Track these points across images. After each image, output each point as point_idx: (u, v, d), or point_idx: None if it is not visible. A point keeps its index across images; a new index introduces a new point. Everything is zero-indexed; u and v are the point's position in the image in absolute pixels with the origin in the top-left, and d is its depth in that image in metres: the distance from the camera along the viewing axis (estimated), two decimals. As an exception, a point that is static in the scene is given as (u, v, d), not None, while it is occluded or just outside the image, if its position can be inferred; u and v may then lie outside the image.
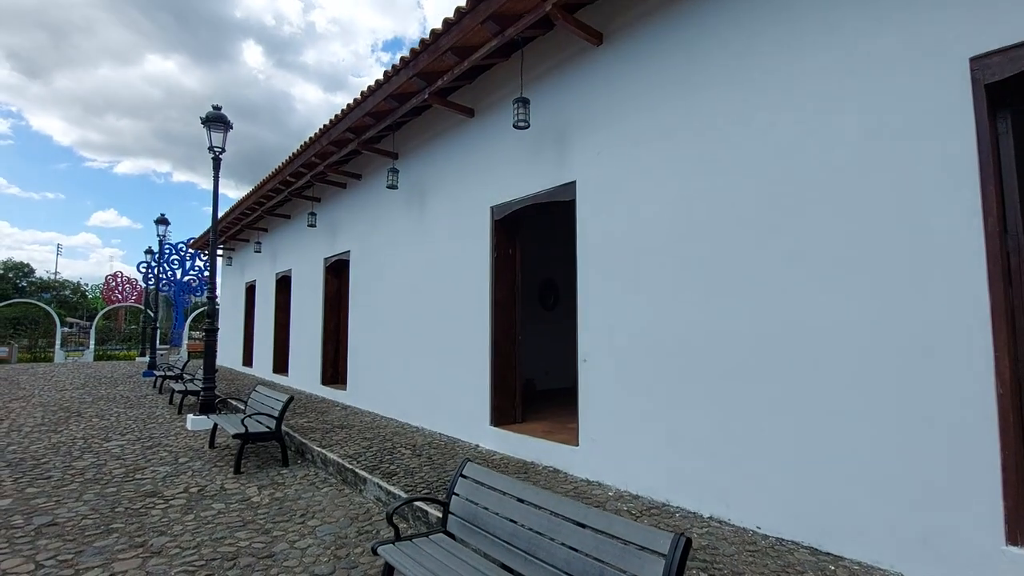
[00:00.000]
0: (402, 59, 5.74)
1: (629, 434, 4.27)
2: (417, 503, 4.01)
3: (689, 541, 1.93)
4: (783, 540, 3.28)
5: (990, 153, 2.78)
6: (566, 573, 2.24)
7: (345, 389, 9.10)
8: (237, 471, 5.33)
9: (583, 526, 2.29)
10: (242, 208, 11.86)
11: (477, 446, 5.74)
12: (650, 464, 4.08)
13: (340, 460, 5.32)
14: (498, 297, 5.86)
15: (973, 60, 2.78)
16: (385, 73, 6.06)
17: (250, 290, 15.17)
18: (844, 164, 3.19)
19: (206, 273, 24.39)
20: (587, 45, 4.83)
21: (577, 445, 4.70)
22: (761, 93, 3.61)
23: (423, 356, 6.94)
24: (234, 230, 13.88)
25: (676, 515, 3.72)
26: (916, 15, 2.96)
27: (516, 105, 5.00)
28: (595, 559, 2.15)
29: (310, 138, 8.04)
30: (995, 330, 2.65)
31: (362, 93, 6.52)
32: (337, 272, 10.14)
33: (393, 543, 2.73)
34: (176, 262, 23.73)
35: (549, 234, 9.27)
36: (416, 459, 5.28)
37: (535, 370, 8.99)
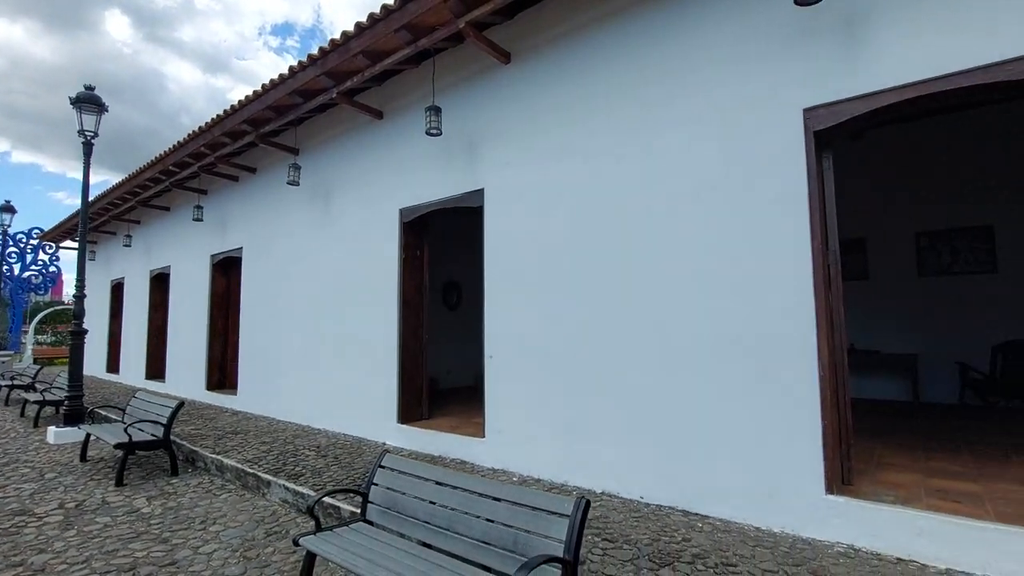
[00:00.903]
0: (310, 56, 5.68)
1: (531, 424, 4.65)
2: (328, 500, 4.07)
3: (588, 503, 2.30)
4: (662, 507, 3.82)
5: (817, 186, 3.51)
6: (483, 542, 2.52)
7: (235, 394, 8.63)
8: (119, 483, 4.94)
9: (498, 500, 2.58)
10: (111, 197, 10.72)
11: (384, 444, 5.82)
12: (550, 450, 4.49)
13: (239, 465, 5.15)
14: (406, 297, 6.00)
15: (806, 111, 3.49)
16: (290, 68, 5.94)
17: (117, 288, 13.67)
18: (706, 189, 3.80)
19: (51, 268, 21.43)
20: (496, 62, 5.15)
21: (483, 437, 5.00)
22: (642, 123, 4.16)
23: (327, 356, 6.85)
24: (99, 221, 12.45)
25: (573, 493, 4.15)
26: (763, 67, 3.63)
27: (428, 113, 5.20)
28: (509, 527, 2.45)
29: (200, 127, 7.56)
30: (818, 326, 3.35)
31: (263, 86, 6.32)
32: (226, 269, 9.56)
33: (314, 534, 2.83)
34: (15, 255, 20.56)
35: (453, 236, 9.49)
36: (322, 459, 5.26)
37: (438, 369, 9.16)
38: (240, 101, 6.76)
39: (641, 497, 3.96)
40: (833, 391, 3.44)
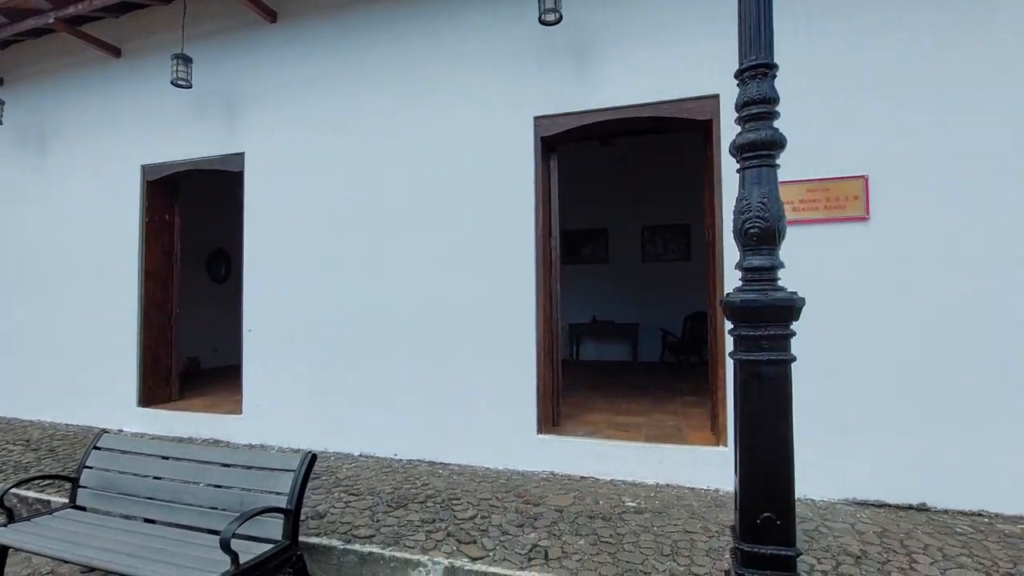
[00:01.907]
0: (11, -33, 4.62)
1: (291, 396, 4.67)
2: (34, 495, 3.57)
3: (315, 456, 2.54)
4: (412, 461, 4.25)
5: (543, 183, 4.21)
6: (211, 507, 2.57)
7: (-100, 385, 6.68)
8: None
9: (228, 465, 2.65)
10: None
11: (120, 431, 5.20)
12: (309, 420, 4.58)
13: (-100, 470, 4.12)
14: (150, 267, 5.38)
15: (536, 118, 4.14)
16: (-19, -24, 4.75)
17: None
18: (461, 176, 4.26)
19: None
20: (260, 19, 4.87)
21: (241, 414, 4.85)
22: (406, 109, 4.43)
23: (42, 336, 5.75)
24: None
25: (332, 458, 4.34)
26: (510, 76, 4.18)
27: (176, 61, 4.70)
28: (239, 489, 2.55)
29: None
30: (538, 300, 4.07)
31: (-62, -9, 4.91)
32: None
33: (5, 526, 2.53)
34: None
35: (220, 200, 8.63)
36: (32, 454, 4.51)
37: (202, 347, 8.36)
38: (-103, 3, 5.14)
39: (395, 455, 4.33)
40: (548, 353, 4.23)
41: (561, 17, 3.82)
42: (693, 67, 3.78)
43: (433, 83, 4.38)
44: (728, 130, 3.68)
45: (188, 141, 5.16)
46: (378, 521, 3.11)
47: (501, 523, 3.05)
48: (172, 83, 4.71)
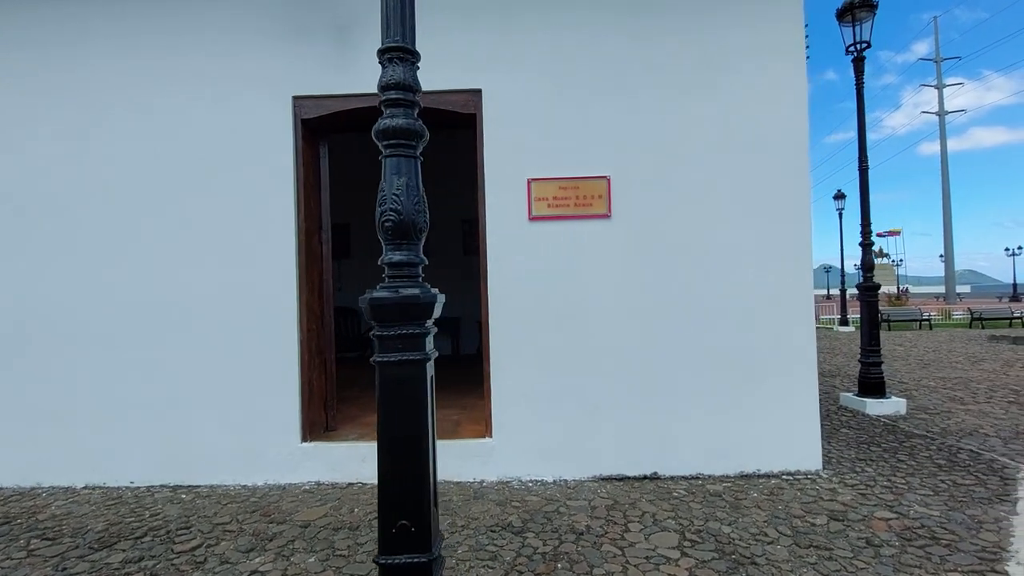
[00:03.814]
0: None
1: (-12, 422, 3.76)
2: None
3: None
4: (152, 487, 3.66)
5: (308, 170, 3.88)
6: None
7: None
8: None
9: None
10: None
11: None
12: (11, 449, 3.72)
13: None
14: None
15: (295, 98, 3.78)
16: None
17: None
18: (204, 156, 3.74)
19: None
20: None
21: (-85, 450, 3.78)
22: (139, 81, 3.78)
23: None
24: None
25: (43, 495, 3.57)
26: (261, 49, 3.76)
27: None
28: None
29: None
30: (300, 295, 3.74)
31: None
32: None
33: None
34: None
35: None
36: None
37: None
38: None
39: (131, 482, 3.70)
40: (318, 353, 3.93)
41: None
42: (456, 59, 3.74)
43: (170, 51, 3.78)
44: (491, 125, 3.73)
45: None
46: (65, 570, 2.57)
47: (226, 551, 2.71)
48: None
